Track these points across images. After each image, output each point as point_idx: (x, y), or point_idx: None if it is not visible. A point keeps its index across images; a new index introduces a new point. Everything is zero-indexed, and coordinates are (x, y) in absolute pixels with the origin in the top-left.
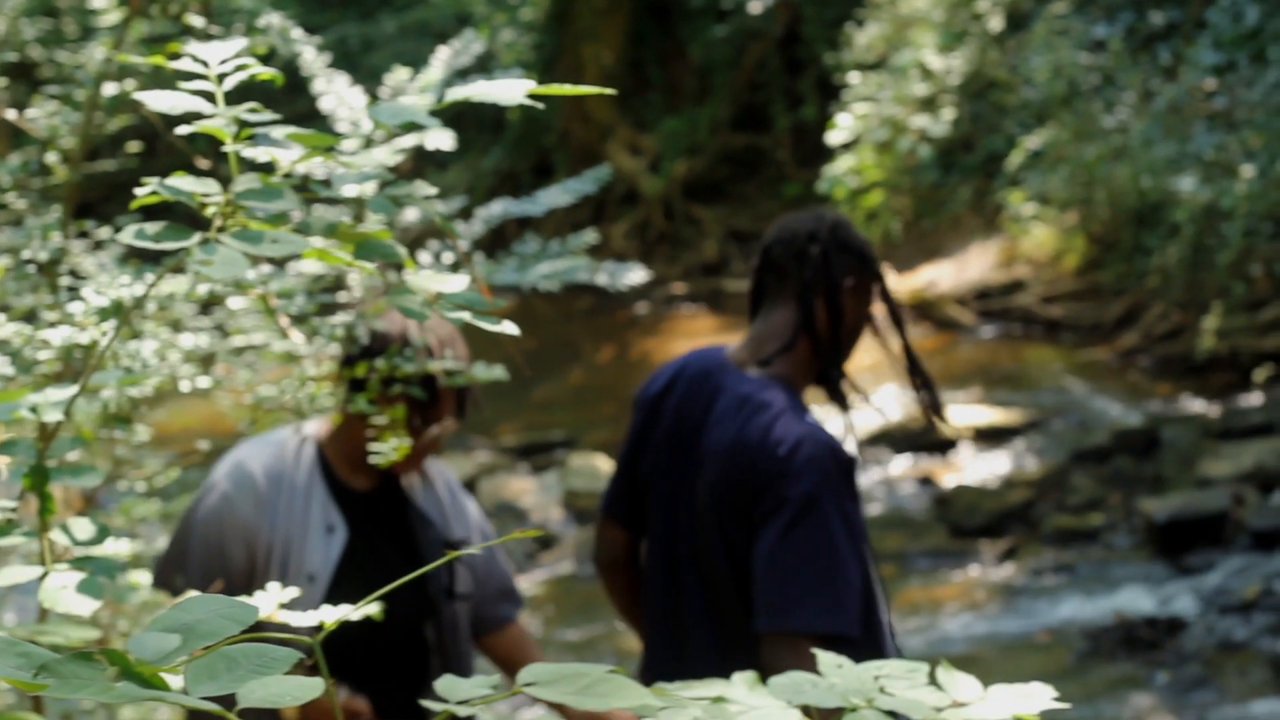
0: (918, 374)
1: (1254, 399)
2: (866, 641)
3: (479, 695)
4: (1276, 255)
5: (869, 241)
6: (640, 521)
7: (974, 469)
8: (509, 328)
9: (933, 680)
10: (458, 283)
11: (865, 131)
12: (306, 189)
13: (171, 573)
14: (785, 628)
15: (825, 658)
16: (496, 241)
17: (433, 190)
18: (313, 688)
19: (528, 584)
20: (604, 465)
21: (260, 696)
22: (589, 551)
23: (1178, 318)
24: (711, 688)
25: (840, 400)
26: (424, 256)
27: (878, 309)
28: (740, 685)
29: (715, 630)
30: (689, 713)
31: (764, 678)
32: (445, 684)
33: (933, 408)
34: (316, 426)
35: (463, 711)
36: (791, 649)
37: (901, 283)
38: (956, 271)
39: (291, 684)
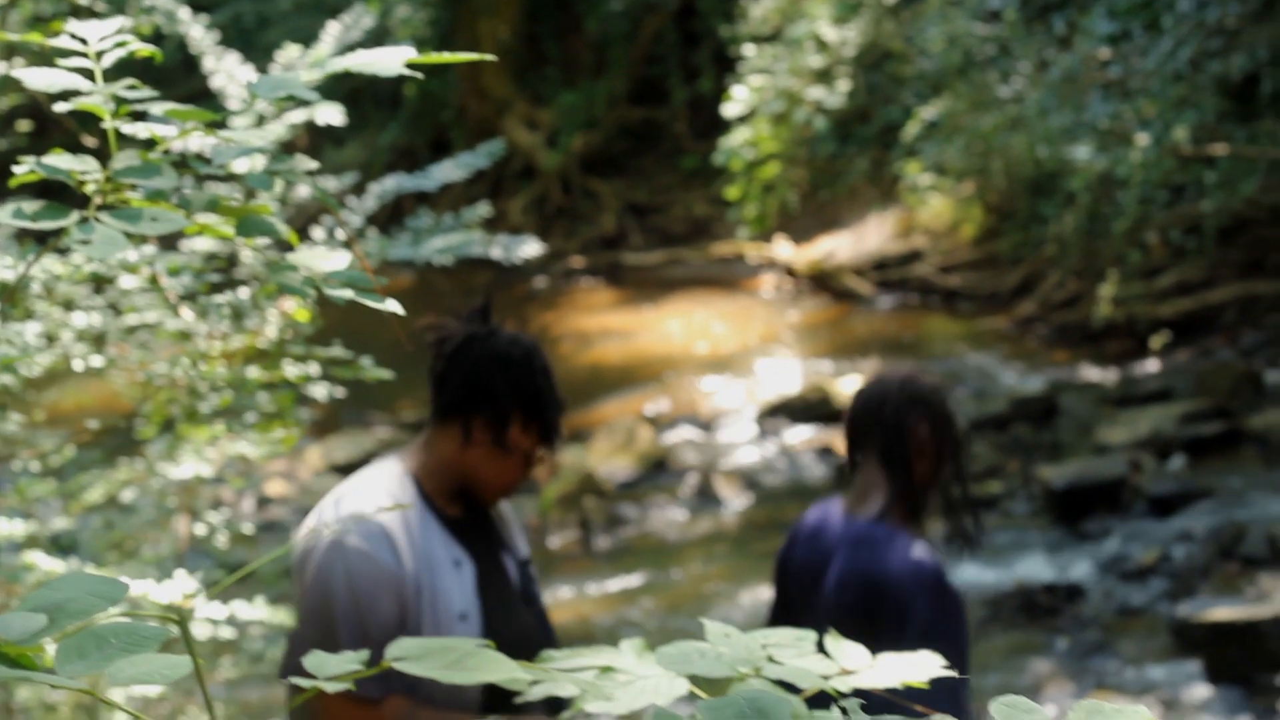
0: (966, 498)
1: (1151, 366)
2: None
3: (348, 670)
4: (1172, 222)
5: (938, 387)
6: None
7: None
8: (393, 306)
9: (821, 649)
10: (340, 260)
11: (761, 104)
12: (187, 166)
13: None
14: None
15: (712, 627)
16: (395, 217)
17: (313, 165)
18: (180, 666)
19: None
20: None
21: (129, 675)
22: None
23: (1074, 286)
24: (600, 656)
25: (920, 526)
26: (318, 233)
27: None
28: (629, 654)
29: None
30: (563, 683)
31: None
32: (313, 661)
33: (964, 534)
34: (407, 459)
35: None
36: None
37: (798, 254)
38: (854, 242)
39: (160, 663)
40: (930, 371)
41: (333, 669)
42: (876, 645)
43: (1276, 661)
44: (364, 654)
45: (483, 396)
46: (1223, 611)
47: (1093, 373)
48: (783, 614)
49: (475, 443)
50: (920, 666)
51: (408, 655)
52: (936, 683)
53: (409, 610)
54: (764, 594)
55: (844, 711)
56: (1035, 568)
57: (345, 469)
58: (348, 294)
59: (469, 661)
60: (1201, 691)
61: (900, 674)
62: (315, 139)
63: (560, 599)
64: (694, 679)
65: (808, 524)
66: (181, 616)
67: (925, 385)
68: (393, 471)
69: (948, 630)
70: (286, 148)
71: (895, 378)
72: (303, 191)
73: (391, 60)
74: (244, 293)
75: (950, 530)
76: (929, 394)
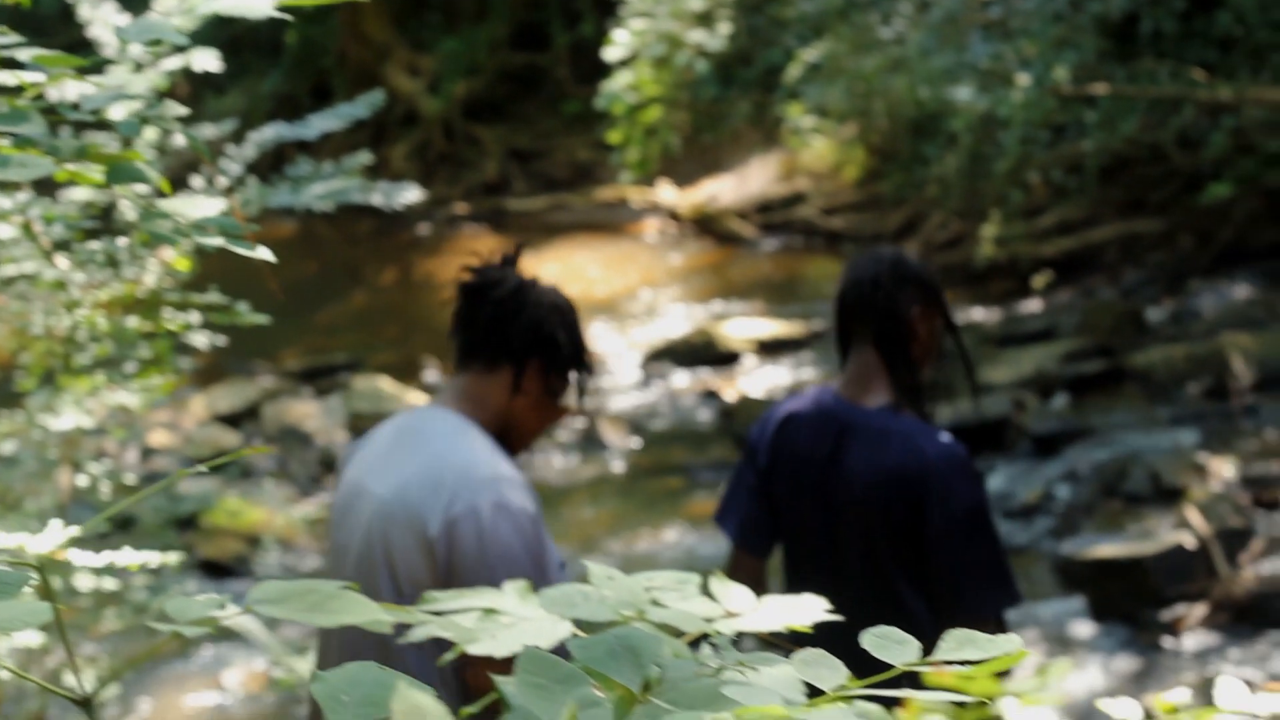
0: (968, 365)
1: (1033, 305)
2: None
3: (207, 615)
4: (1053, 162)
5: (927, 266)
6: (765, 550)
7: (758, 381)
8: (263, 253)
9: (705, 591)
10: (211, 207)
11: (642, 47)
12: (59, 114)
13: None
14: (983, 615)
15: (596, 570)
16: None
17: (183, 110)
18: (41, 612)
19: (310, 507)
20: (387, 387)
21: None
22: None
23: (957, 226)
24: (482, 599)
25: (922, 408)
26: (198, 182)
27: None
28: (511, 597)
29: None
30: (426, 627)
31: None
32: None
33: (973, 387)
34: (461, 406)
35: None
36: (988, 629)
37: (681, 198)
38: (737, 185)
39: (21, 610)
40: (911, 251)
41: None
42: (915, 537)
43: (1159, 597)
44: None
45: (543, 345)
46: (1106, 548)
47: (976, 313)
48: (763, 498)
49: (525, 391)
50: (808, 610)
51: (268, 598)
52: (1014, 594)
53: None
54: (652, 537)
55: (715, 648)
56: None
57: (229, 419)
58: (218, 241)
59: (331, 604)
60: (1086, 628)
61: (784, 617)
62: (196, 87)
63: None
64: (577, 622)
65: (802, 413)
66: (40, 563)
67: (915, 265)
68: (462, 422)
69: (987, 511)
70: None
71: (885, 260)
72: (182, 140)
73: (261, 2)
74: (122, 241)
75: (917, 407)
76: (921, 273)
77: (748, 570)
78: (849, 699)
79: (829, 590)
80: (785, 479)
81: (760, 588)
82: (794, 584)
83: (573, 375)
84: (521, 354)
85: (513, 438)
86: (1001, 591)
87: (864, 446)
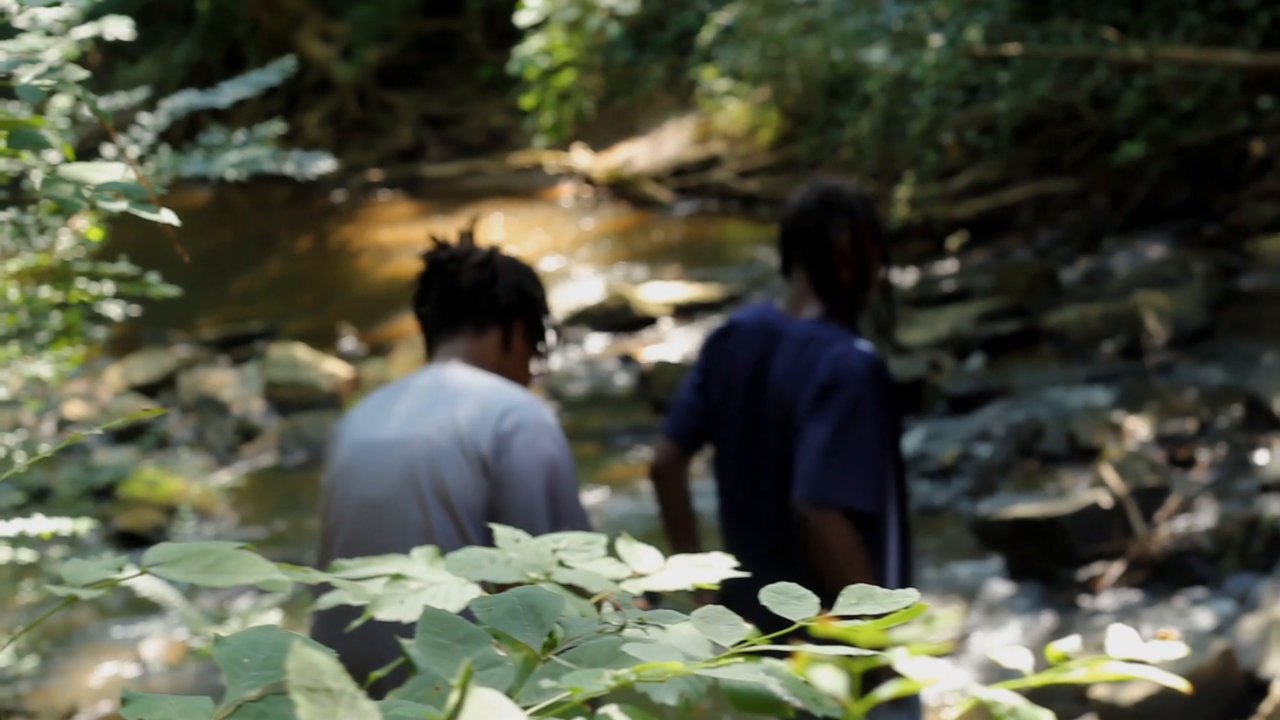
0: (887, 302)
1: (948, 266)
2: (881, 524)
3: (103, 577)
4: (967, 123)
5: (862, 196)
6: (691, 441)
7: (674, 345)
8: (168, 217)
9: (613, 552)
10: (114, 172)
11: (554, 11)
12: None
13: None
14: (826, 501)
15: (502, 532)
16: (190, 134)
17: (84, 75)
18: None
19: (229, 476)
20: (304, 355)
21: None
22: (291, 442)
23: (872, 188)
24: (390, 564)
25: (852, 324)
26: (111, 151)
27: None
28: (419, 562)
29: (783, 516)
30: (337, 594)
31: (800, 541)
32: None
33: (886, 330)
34: (466, 364)
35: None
36: (827, 520)
37: (596, 162)
38: (652, 149)
39: None
40: (853, 183)
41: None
42: (819, 426)
43: (1075, 557)
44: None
45: (525, 304)
46: (1022, 508)
47: (891, 274)
48: (700, 397)
49: (514, 348)
50: (715, 568)
51: (164, 560)
52: (869, 496)
53: None
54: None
55: (617, 608)
56: None
57: (145, 389)
58: (121, 205)
59: (227, 564)
60: (1002, 588)
61: (692, 575)
62: (109, 56)
63: None
64: (485, 584)
65: (744, 323)
66: None
67: (847, 195)
68: (479, 371)
69: (872, 416)
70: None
71: (817, 190)
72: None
73: None
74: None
75: (877, 326)
76: (851, 203)
77: (665, 454)
78: (748, 655)
79: (749, 496)
80: (720, 385)
81: (677, 478)
82: (721, 489)
83: (550, 329)
84: (508, 314)
85: None
86: (854, 487)
87: (787, 353)
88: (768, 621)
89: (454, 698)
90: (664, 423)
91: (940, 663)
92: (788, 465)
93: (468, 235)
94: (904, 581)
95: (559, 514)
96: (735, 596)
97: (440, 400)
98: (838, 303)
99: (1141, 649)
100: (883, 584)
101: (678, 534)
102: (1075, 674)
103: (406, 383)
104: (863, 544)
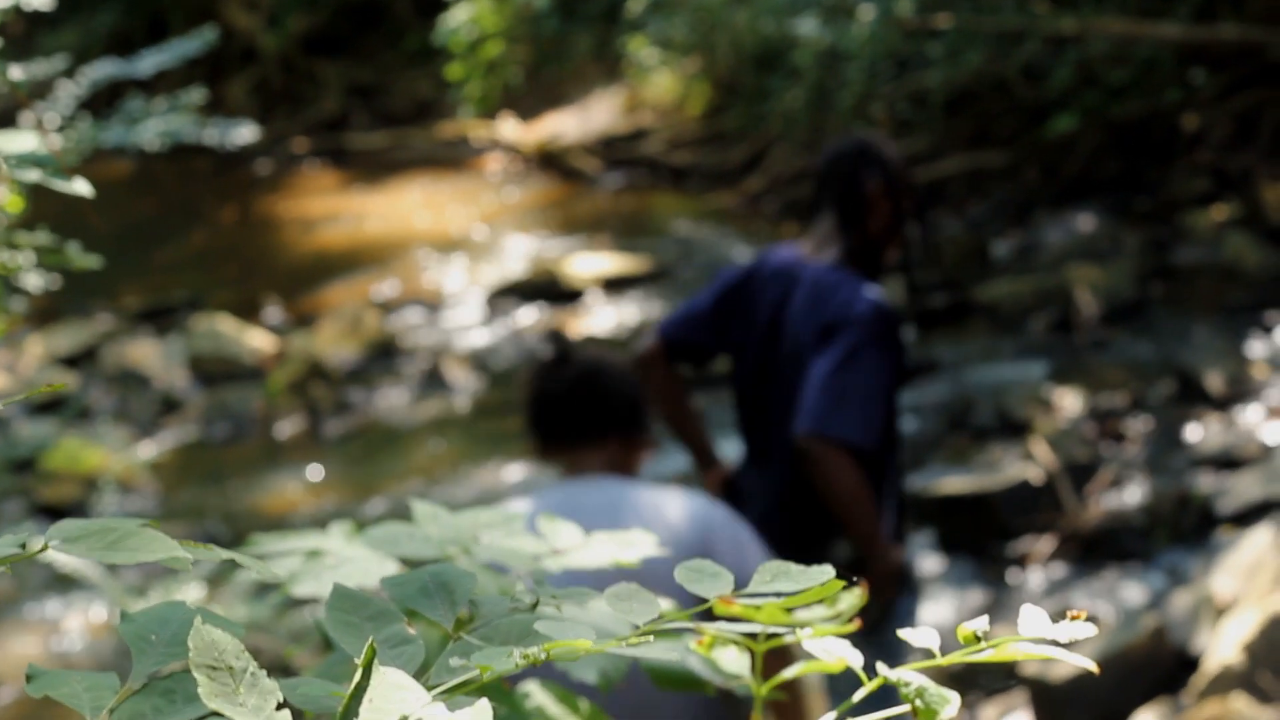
0: (911, 260)
1: None
2: (880, 458)
3: (3, 553)
4: (897, 95)
5: (895, 156)
6: (679, 350)
7: (603, 318)
8: (81, 187)
9: (533, 528)
10: (26, 141)
11: None
12: None
13: None
14: (826, 433)
15: (421, 508)
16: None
17: None
18: None
19: (151, 449)
20: (228, 327)
21: None
22: (215, 414)
23: (802, 161)
24: (308, 540)
25: (872, 272)
26: (27, 118)
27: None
28: (337, 537)
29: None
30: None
31: (802, 472)
32: None
33: (911, 288)
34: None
35: None
36: (827, 453)
37: (524, 134)
38: (581, 121)
39: None
40: (888, 140)
41: None
42: (821, 363)
43: (1006, 531)
44: None
45: (636, 409)
46: (953, 483)
47: (802, 242)
48: (710, 322)
49: (632, 448)
50: (636, 546)
51: (65, 536)
52: (868, 431)
53: None
54: (495, 475)
55: (530, 585)
56: None
57: (68, 360)
58: (34, 175)
59: (129, 541)
60: (933, 563)
61: (611, 553)
62: (30, 25)
63: (289, 487)
64: (403, 560)
65: (768, 264)
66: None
67: (884, 148)
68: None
69: (878, 359)
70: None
71: (856, 139)
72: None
73: None
74: None
75: (910, 282)
76: (886, 155)
77: (651, 351)
78: (660, 633)
79: (763, 435)
80: (740, 325)
81: (664, 371)
82: (740, 428)
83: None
84: (622, 423)
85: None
86: (854, 421)
87: (802, 296)
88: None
89: (358, 676)
90: (661, 321)
91: (846, 643)
92: (793, 405)
93: (565, 355)
94: (898, 526)
95: None
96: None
97: (641, 523)
98: (859, 247)
99: (1052, 629)
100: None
101: (676, 423)
102: (984, 654)
103: (582, 500)
104: (865, 478)
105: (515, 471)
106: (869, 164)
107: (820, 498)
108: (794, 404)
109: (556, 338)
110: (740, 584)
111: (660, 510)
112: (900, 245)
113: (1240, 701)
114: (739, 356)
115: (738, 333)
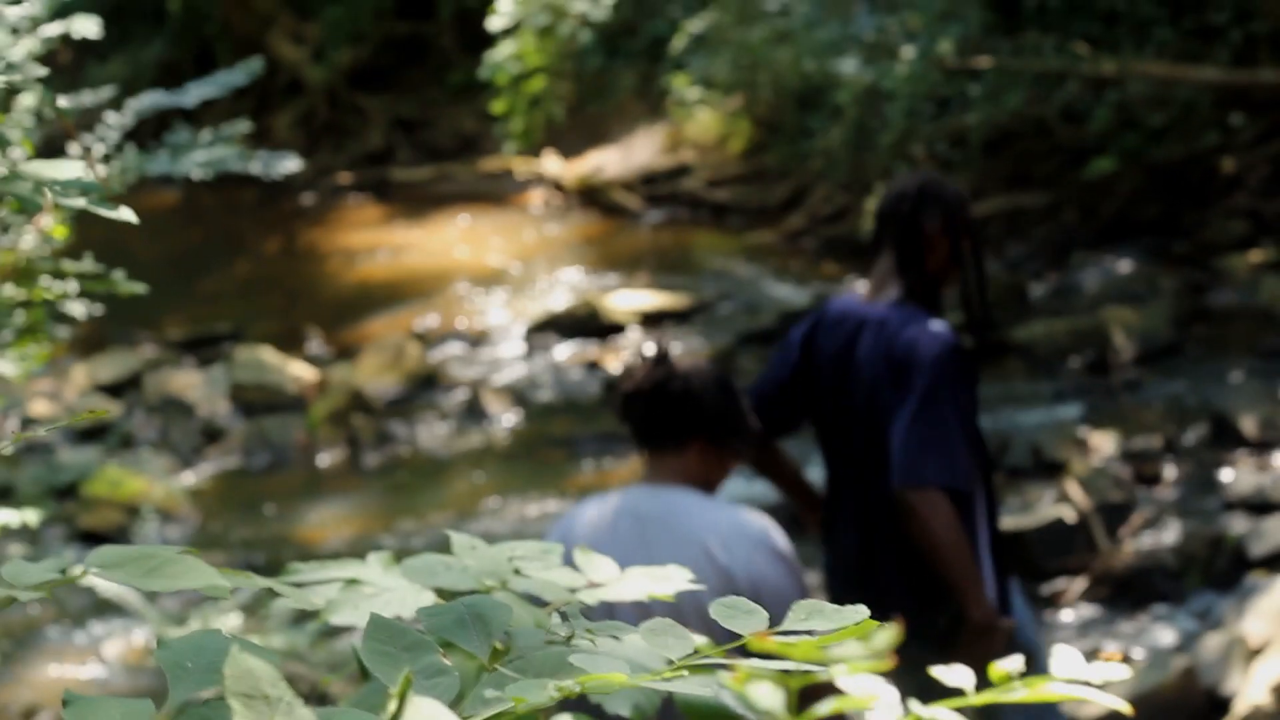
0: (983, 298)
1: None
2: (969, 501)
3: (45, 579)
4: (938, 135)
5: (958, 193)
6: (772, 430)
7: (631, 372)
8: (126, 214)
9: (569, 562)
10: (73, 169)
11: (526, 16)
12: None
13: None
14: (921, 482)
15: (458, 539)
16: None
17: (43, 71)
18: None
19: (194, 478)
20: (270, 357)
21: None
22: (257, 444)
23: (842, 199)
24: (346, 569)
25: (933, 309)
26: (74, 148)
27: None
28: (374, 567)
29: (863, 494)
30: (308, 596)
31: (902, 526)
32: (10, 569)
33: (979, 327)
34: (686, 482)
35: None
36: (924, 498)
37: (566, 169)
38: (623, 157)
39: None
40: (948, 179)
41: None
42: (902, 412)
43: (1040, 571)
44: None
45: (717, 417)
46: None
47: (861, 286)
48: (787, 387)
49: (710, 458)
50: (671, 580)
51: (106, 563)
52: (957, 473)
53: None
54: (534, 508)
55: (564, 618)
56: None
57: (111, 388)
58: (79, 203)
59: (168, 569)
60: None
61: (648, 586)
62: (79, 55)
63: (328, 517)
64: (440, 591)
65: (831, 313)
66: None
67: (944, 188)
68: (690, 492)
69: (953, 396)
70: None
71: (916, 179)
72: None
73: None
74: None
75: (968, 320)
76: (946, 195)
77: (761, 450)
78: (694, 668)
79: (847, 479)
80: (811, 379)
81: (771, 455)
82: (828, 475)
83: (742, 436)
84: (702, 429)
85: (709, 492)
86: (943, 465)
87: (869, 337)
88: (878, 610)
89: (392, 706)
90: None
91: (879, 680)
92: (874, 449)
93: (661, 357)
94: (996, 557)
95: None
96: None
97: (684, 541)
98: (918, 286)
99: (1085, 670)
100: (978, 561)
101: (793, 493)
102: (1017, 694)
103: (637, 507)
104: (962, 527)
105: (553, 504)
106: (928, 203)
107: (919, 548)
108: (869, 449)
109: (659, 342)
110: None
111: (707, 535)
112: (959, 281)
113: None
114: (815, 410)
115: (810, 389)
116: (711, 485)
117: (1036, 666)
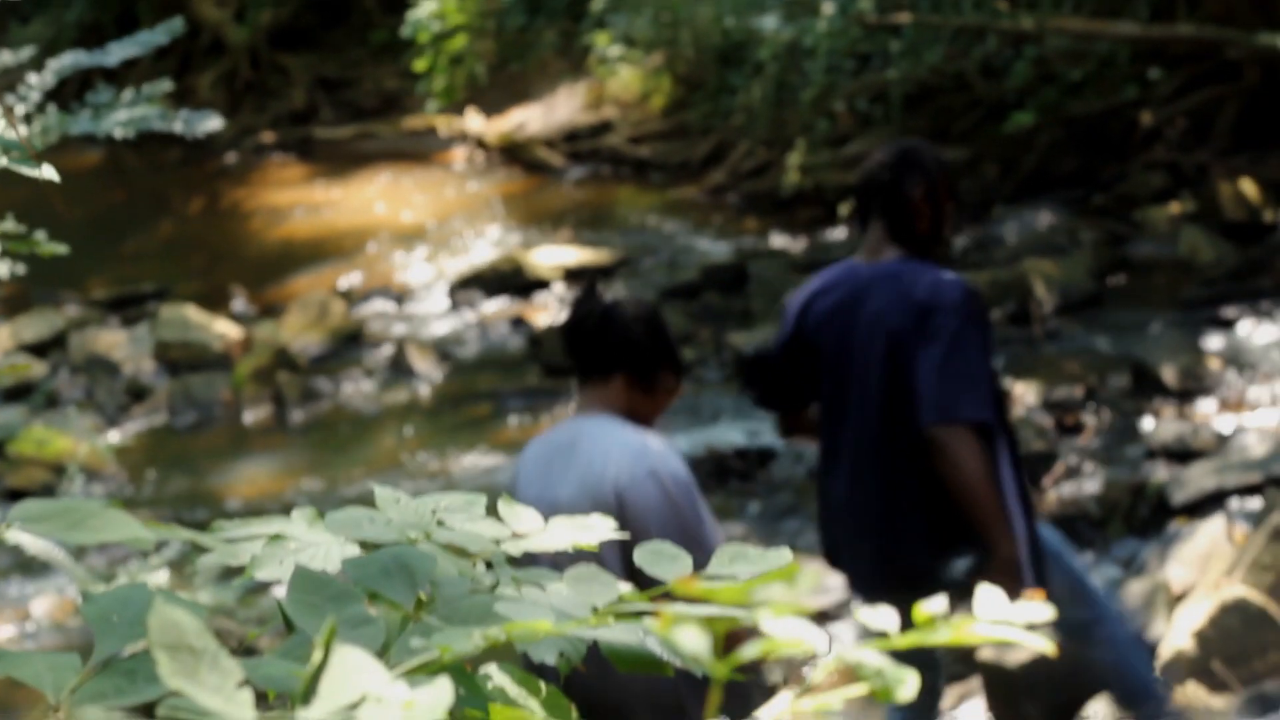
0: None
1: (838, 233)
2: (994, 437)
3: None
4: (858, 91)
5: (936, 156)
6: (788, 402)
7: (566, 309)
8: (48, 172)
9: (493, 512)
10: None
11: None
12: None
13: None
14: (954, 419)
15: (383, 493)
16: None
17: None
18: None
19: (120, 436)
20: (195, 316)
21: None
22: (182, 402)
23: (763, 155)
24: (270, 525)
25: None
26: None
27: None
28: (299, 522)
29: (882, 441)
30: (231, 551)
31: (934, 464)
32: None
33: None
34: (607, 409)
35: None
36: (955, 435)
37: (489, 127)
38: (545, 114)
39: None
40: (928, 144)
41: None
42: (917, 348)
43: None
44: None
45: (639, 351)
46: None
47: (782, 240)
48: (796, 358)
49: (637, 392)
50: (595, 530)
51: (28, 516)
52: (986, 409)
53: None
54: (459, 463)
55: (489, 566)
56: (727, 433)
57: (36, 348)
58: (1, 161)
59: (91, 522)
60: None
61: (572, 536)
62: (1, 17)
63: (255, 474)
64: (364, 545)
65: (830, 277)
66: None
67: (923, 154)
68: (606, 420)
69: (980, 339)
70: None
71: (895, 148)
72: None
73: None
74: None
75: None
76: (925, 160)
77: (786, 422)
78: (618, 615)
79: (859, 431)
80: (809, 342)
81: (800, 421)
82: (826, 436)
83: (669, 370)
84: (625, 361)
85: (641, 423)
86: (974, 402)
87: (880, 290)
88: (878, 568)
89: (317, 654)
90: (755, 396)
91: (805, 623)
92: (894, 395)
93: (590, 292)
94: (1022, 496)
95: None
96: (839, 549)
97: (582, 461)
98: (914, 249)
99: (1008, 610)
100: (1004, 498)
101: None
102: (940, 635)
103: (558, 437)
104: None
105: (479, 459)
106: (910, 170)
107: (949, 485)
108: (883, 397)
109: (590, 281)
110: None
111: (597, 454)
112: (946, 240)
113: (1194, 689)
114: (820, 371)
115: (811, 355)
116: (640, 417)
117: (1086, 593)
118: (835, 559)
